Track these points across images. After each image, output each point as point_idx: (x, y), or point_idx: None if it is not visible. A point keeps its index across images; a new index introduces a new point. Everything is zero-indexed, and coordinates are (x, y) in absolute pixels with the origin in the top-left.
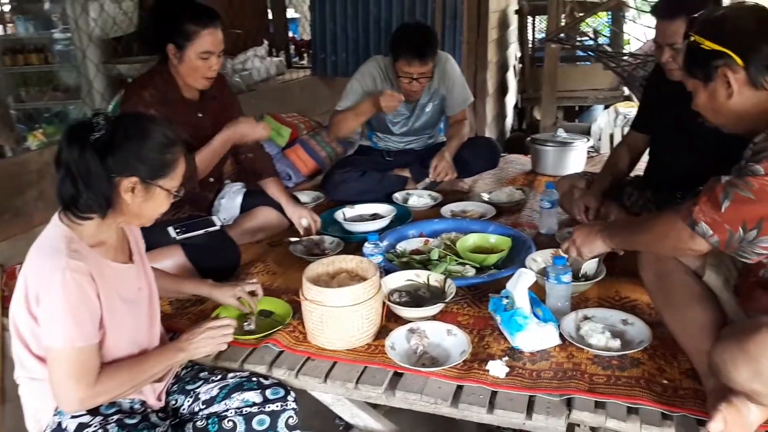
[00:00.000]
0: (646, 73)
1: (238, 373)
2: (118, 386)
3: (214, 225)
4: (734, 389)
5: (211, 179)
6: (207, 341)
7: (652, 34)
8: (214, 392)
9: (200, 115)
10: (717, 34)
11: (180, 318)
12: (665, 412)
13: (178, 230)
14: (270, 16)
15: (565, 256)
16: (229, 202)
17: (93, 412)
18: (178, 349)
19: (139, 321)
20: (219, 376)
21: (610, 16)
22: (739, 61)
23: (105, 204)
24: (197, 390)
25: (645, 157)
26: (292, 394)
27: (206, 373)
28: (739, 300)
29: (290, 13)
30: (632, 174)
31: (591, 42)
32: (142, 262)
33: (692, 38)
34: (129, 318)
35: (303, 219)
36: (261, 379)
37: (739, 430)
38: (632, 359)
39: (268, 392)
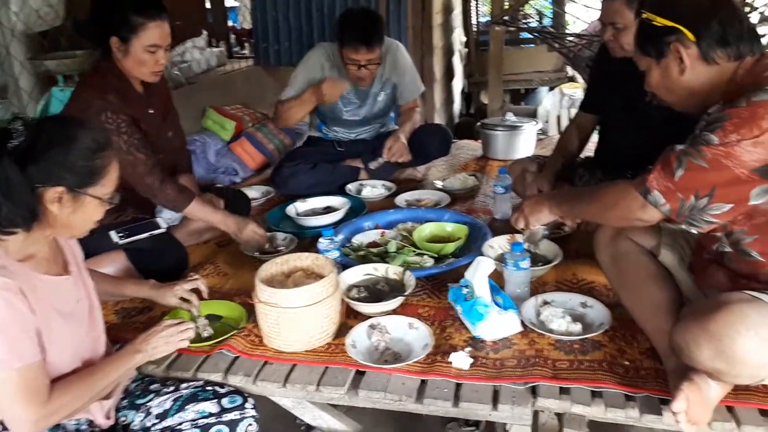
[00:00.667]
0: (593, 54)
1: (191, 383)
2: (74, 400)
3: (160, 227)
4: (695, 368)
5: None
6: (166, 340)
7: (594, 14)
8: (167, 405)
9: (151, 111)
10: (668, 10)
11: (127, 328)
12: (628, 393)
13: (120, 234)
14: (208, 5)
15: (522, 242)
16: None
17: None
18: (135, 351)
19: (80, 334)
20: (171, 388)
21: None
22: (690, 36)
23: (29, 216)
24: (149, 404)
25: (595, 138)
26: (251, 401)
27: (157, 385)
28: (694, 277)
29: (229, 1)
30: (583, 155)
31: (536, 24)
32: (80, 272)
33: (644, 15)
34: (69, 332)
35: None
36: (217, 388)
37: (701, 407)
38: (593, 342)
39: (224, 401)
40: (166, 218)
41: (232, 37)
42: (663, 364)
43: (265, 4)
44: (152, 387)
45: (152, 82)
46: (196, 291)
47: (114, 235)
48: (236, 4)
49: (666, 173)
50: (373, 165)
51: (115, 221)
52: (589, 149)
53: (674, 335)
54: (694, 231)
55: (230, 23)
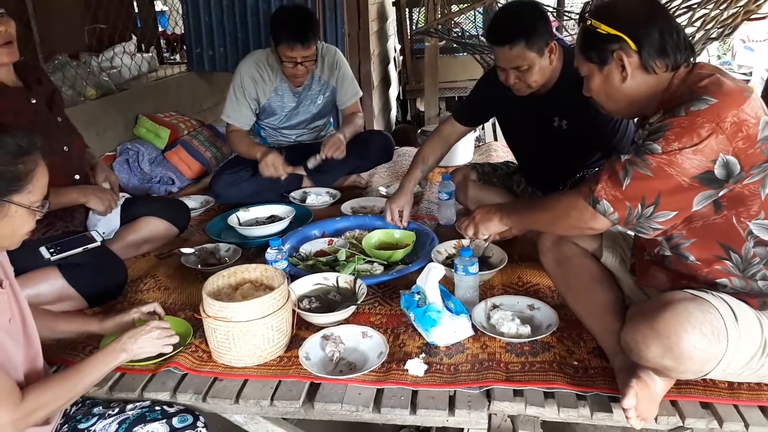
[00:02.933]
0: None
1: (138, 404)
2: (54, 399)
3: (94, 241)
4: (643, 365)
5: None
6: (152, 341)
7: None
8: (113, 428)
9: (33, 101)
10: (612, 18)
11: (64, 349)
12: (579, 393)
13: (51, 250)
14: (136, 9)
15: (468, 246)
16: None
17: None
18: (120, 350)
19: (16, 353)
20: (116, 410)
21: (482, 11)
22: (632, 45)
23: None
24: (92, 428)
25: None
26: (202, 419)
27: (100, 407)
28: (636, 278)
29: (158, 5)
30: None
31: (474, 32)
32: (12, 288)
33: (589, 22)
34: (3, 350)
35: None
36: (165, 407)
37: (648, 402)
38: (543, 344)
39: (174, 421)
40: (100, 231)
41: (163, 42)
42: (610, 362)
43: (198, 9)
44: (95, 410)
45: (9, 60)
46: (153, 314)
47: (44, 251)
48: (165, 8)
49: (613, 183)
50: (310, 163)
51: (44, 236)
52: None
53: (623, 335)
54: (642, 236)
55: (160, 28)
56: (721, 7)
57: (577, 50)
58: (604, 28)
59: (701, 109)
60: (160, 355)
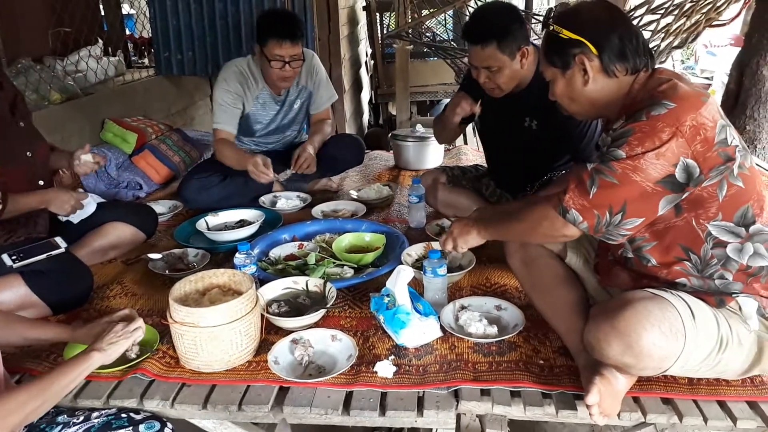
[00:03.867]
0: None
1: (103, 411)
2: (25, 402)
3: (58, 247)
4: (606, 363)
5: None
6: (119, 335)
7: None
8: None
9: None
10: (573, 23)
11: (26, 358)
12: (545, 391)
13: (14, 257)
14: (102, 13)
15: (440, 249)
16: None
17: None
18: (90, 350)
19: None
20: (81, 418)
21: (453, 14)
22: (593, 49)
23: None
24: None
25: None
26: (169, 425)
27: (65, 416)
28: (599, 278)
29: (126, 9)
30: (484, 165)
31: (444, 36)
32: None
33: (551, 27)
34: None
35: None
36: (132, 414)
37: (611, 398)
38: (509, 343)
39: (141, 428)
40: (75, 221)
41: (130, 45)
42: (575, 360)
43: (165, 12)
44: (59, 418)
45: None
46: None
47: (6, 259)
48: (133, 11)
49: (581, 192)
50: (281, 177)
51: (6, 243)
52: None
53: (586, 334)
54: (610, 242)
55: (128, 32)
56: (684, 17)
57: (542, 55)
58: (566, 33)
59: (661, 114)
60: (127, 361)
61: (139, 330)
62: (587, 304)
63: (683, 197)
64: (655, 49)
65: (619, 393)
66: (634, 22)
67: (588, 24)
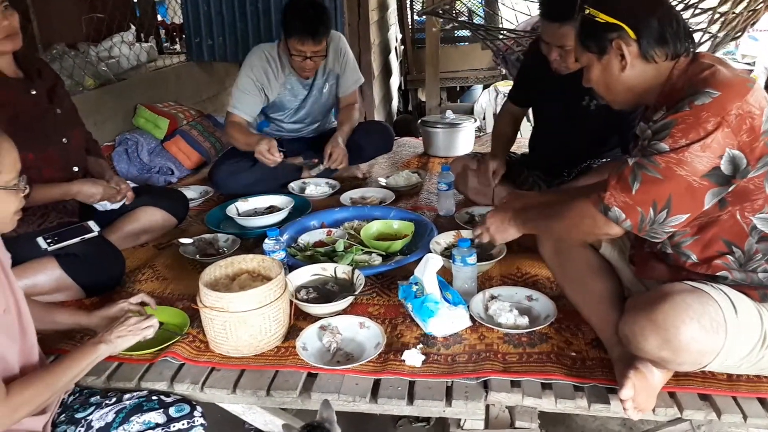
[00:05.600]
0: (520, 56)
1: (135, 393)
2: (36, 394)
3: (92, 231)
4: (641, 357)
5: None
6: (129, 329)
7: (522, 18)
8: (110, 418)
9: (34, 92)
10: (611, 7)
11: (61, 339)
12: (577, 384)
13: (49, 240)
14: None
15: (470, 238)
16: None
17: None
18: (98, 341)
19: (9, 346)
20: (113, 399)
21: None
22: (632, 33)
23: None
24: (89, 417)
25: (526, 134)
26: (199, 408)
27: (98, 397)
28: (635, 269)
29: None
30: (519, 152)
31: (467, 18)
32: (8, 279)
33: (587, 11)
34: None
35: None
36: (162, 397)
37: (645, 393)
38: (540, 335)
39: (171, 410)
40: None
41: (162, 31)
42: (608, 353)
43: None
44: (92, 399)
45: (13, 48)
46: (143, 304)
47: (42, 242)
48: None
49: (622, 188)
50: (314, 172)
51: (39, 228)
52: (525, 146)
53: (622, 326)
54: (653, 240)
55: (159, 18)
56: (741, 6)
57: (576, 40)
58: (603, 17)
59: (705, 103)
60: (157, 344)
61: (150, 329)
62: (622, 296)
63: (729, 190)
64: (715, 38)
65: (655, 388)
66: (688, 10)
67: (626, 7)
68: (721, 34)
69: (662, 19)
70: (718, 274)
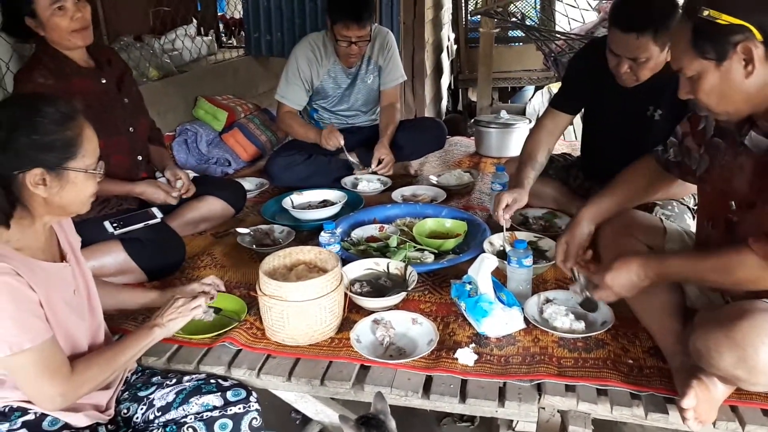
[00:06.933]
0: (574, 50)
1: (194, 376)
2: (98, 373)
3: (155, 217)
4: (713, 373)
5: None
6: (179, 311)
7: (575, 24)
8: (170, 398)
9: (104, 81)
10: (733, 6)
11: (125, 319)
12: (634, 392)
13: (115, 224)
14: None
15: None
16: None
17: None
18: (152, 325)
19: (79, 324)
20: (174, 380)
21: (538, 1)
22: (758, 35)
23: (9, 206)
24: (151, 396)
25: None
26: (254, 394)
27: (159, 377)
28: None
29: None
30: (575, 153)
31: (519, 19)
32: (77, 262)
33: (706, 13)
34: (69, 321)
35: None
36: (220, 381)
37: (707, 405)
38: (597, 340)
39: (228, 394)
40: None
41: (222, 26)
42: (667, 363)
43: None
44: (154, 379)
45: (84, 43)
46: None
47: (108, 226)
48: None
49: None
50: (361, 174)
51: (99, 214)
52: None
53: (694, 340)
54: None
55: (219, 12)
56: None
57: (685, 47)
58: (726, 18)
59: None
60: (216, 329)
61: (198, 308)
62: (684, 307)
63: None
64: None
65: (717, 400)
66: None
67: (753, 6)
68: None
69: None
70: None
